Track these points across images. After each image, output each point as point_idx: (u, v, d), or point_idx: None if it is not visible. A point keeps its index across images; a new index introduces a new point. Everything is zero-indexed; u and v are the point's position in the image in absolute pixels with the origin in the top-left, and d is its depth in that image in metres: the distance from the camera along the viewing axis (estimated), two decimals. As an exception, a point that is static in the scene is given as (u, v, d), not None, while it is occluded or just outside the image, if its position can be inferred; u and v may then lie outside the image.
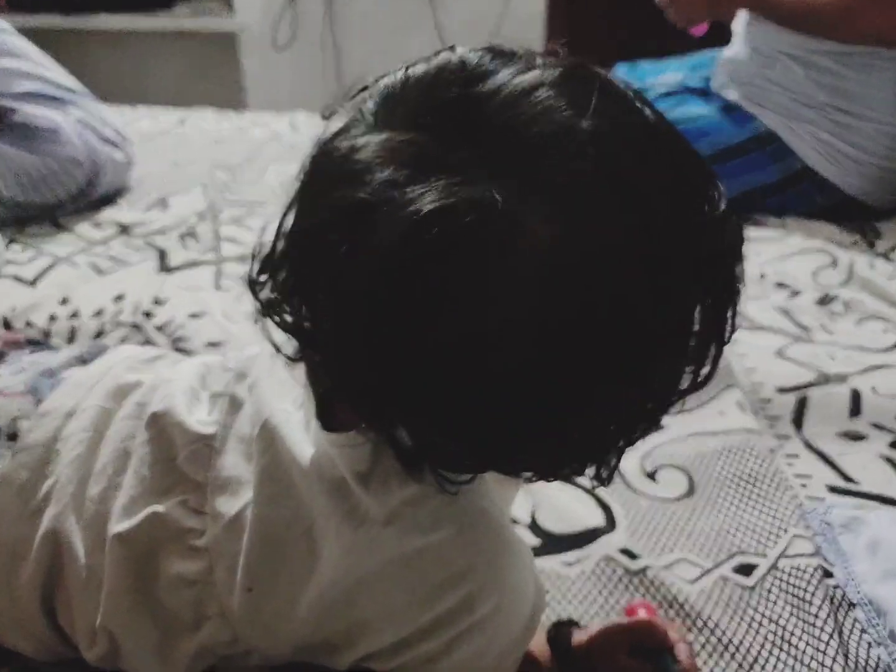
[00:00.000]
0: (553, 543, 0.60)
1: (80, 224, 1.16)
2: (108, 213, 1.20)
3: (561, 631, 0.49)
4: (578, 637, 0.49)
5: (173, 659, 0.43)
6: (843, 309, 0.92)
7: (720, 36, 1.26)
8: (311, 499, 0.40)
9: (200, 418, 0.45)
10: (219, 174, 1.30)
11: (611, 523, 0.62)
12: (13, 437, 0.47)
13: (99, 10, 2.19)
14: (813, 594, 0.55)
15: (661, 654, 0.47)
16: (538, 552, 0.59)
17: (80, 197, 1.19)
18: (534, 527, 0.61)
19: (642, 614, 0.52)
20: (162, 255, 1.06)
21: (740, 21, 1.23)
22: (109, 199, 1.23)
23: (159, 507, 0.43)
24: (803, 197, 1.17)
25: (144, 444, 0.45)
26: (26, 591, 0.44)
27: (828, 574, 0.57)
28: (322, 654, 0.43)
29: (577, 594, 0.56)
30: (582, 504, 0.64)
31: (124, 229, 1.14)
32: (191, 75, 2.34)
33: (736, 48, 1.23)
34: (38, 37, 1.33)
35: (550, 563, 0.58)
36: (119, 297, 0.95)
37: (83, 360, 0.55)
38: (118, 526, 0.43)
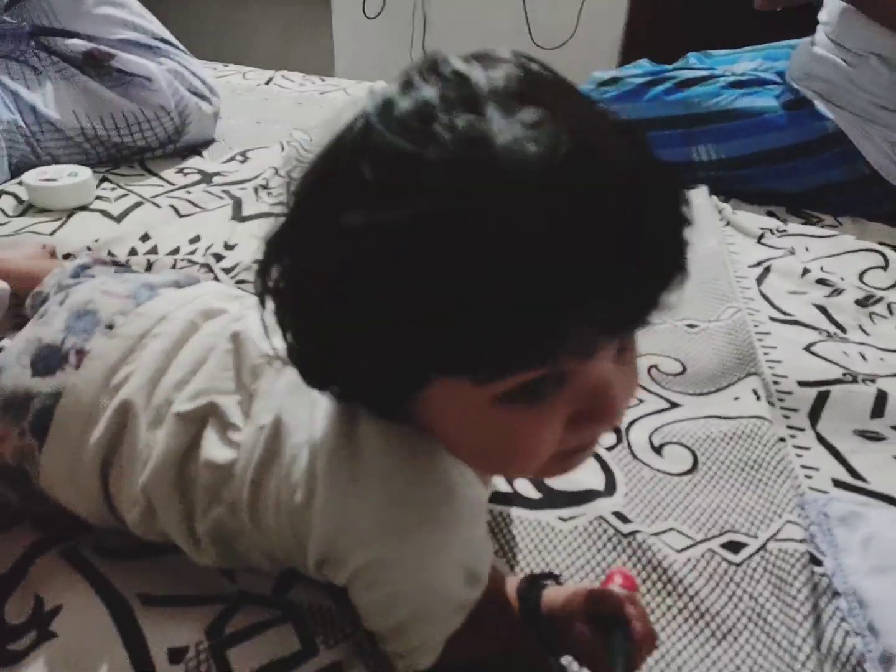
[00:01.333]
0: (552, 498, 0.64)
1: (166, 169, 1.25)
2: (193, 162, 1.28)
3: (532, 586, 0.50)
4: (549, 595, 0.49)
5: (194, 532, 0.49)
6: (885, 311, 0.91)
7: (800, 25, 1.24)
8: (317, 427, 0.45)
9: (270, 345, 0.50)
10: (296, 134, 1.37)
11: (611, 488, 0.65)
12: (111, 326, 0.54)
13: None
14: (796, 577, 0.57)
15: (615, 628, 0.46)
16: (538, 505, 0.63)
17: (168, 143, 1.28)
18: (537, 482, 0.65)
19: (617, 581, 0.53)
20: (238, 203, 1.13)
21: (827, 12, 1.20)
22: (195, 148, 1.32)
23: (218, 399, 0.49)
24: (868, 200, 1.15)
25: (222, 354, 0.51)
26: (92, 451, 0.50)
27: (817, 562, 0.59)
28: (296, 553, 0.47)
29: (567, 547, 0.60)
30: (588, 467, 0.68)
31: (206, 177, 1.22)
32: (287, 38, 2.42)
33: (818, 41, 1.21)
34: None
35: (547, 517, 0.62)
36: (194, 239, 1.03)
37: (178, 285, 0.62)
38: (180, 407, 0.49)
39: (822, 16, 1.22)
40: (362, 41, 2.31)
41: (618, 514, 0.62)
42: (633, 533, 0.60)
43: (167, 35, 1.32)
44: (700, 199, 1.14)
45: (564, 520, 0.62)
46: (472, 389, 0.34)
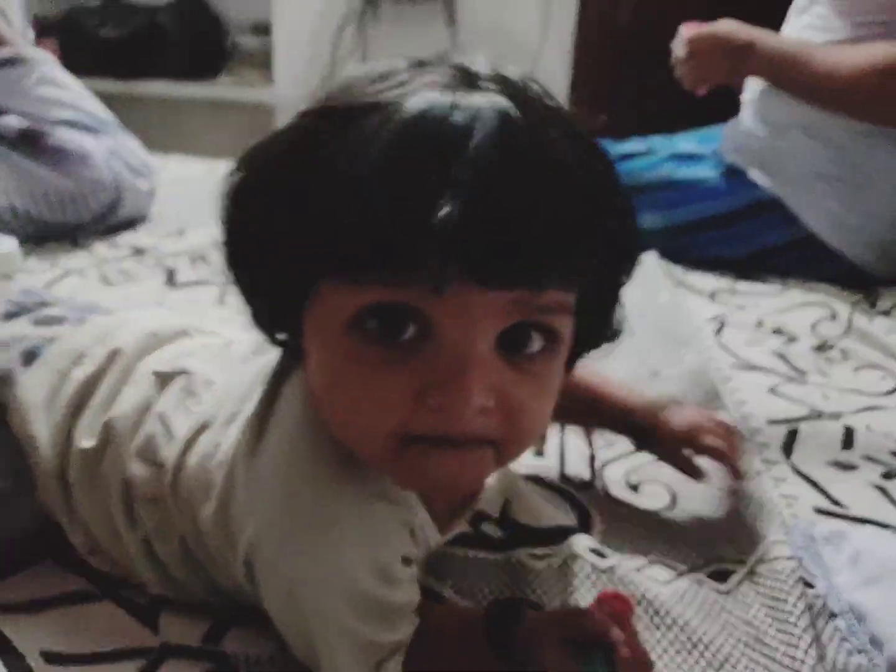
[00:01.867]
0: (521, 534, 0.57)
1: (97, 245, 1.20)
2: (126, 238, 1.24)
3: (506, 610, 0.45)
4: (525, 620, 0.44)
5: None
6: (840, 356, 0.91)
7: (728, 107, 1.30)
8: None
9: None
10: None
11: (585, 526, 0.60)
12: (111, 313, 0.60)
13: (150, 77, 2.34)
14: (789, 593, 0.52)
15: (593, 653, 0.41)
16: (504, 545, 0.57)
17: (101, 219, 1.23)
18: (502, 519, 0.59)
19: (609, 603, 0.48)
20: (171, 273, 1.09)
21: (749, 91, 1.27)
22: (129, 225, 1.28)
23: (193, 370, 0.51)
24: (808, 262, 1.18)
25: (214, 348, 0.54)
26: (73, 386, 0.51)
27: (809, 586, 0.54)
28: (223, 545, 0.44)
29: (542, 584, 0.53)
30: (558, 506, 0.62)
31: (139, 251, 1.18)
32: (230, 142, 2.46)
33: (745, 118, 1.27)
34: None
35: (516, 554, 0.56)
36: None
37: None
38: (158, 367, 0.51)
39: (745, 96, 1.29)
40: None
41: (594, 551, 0.56)
42: (611, 567, 0.54)
43: (107, 116, 1.31)
44: (650, 261, 1.15)
45: (538, 557, 0.55)
46: (336, 307, 0.34)
